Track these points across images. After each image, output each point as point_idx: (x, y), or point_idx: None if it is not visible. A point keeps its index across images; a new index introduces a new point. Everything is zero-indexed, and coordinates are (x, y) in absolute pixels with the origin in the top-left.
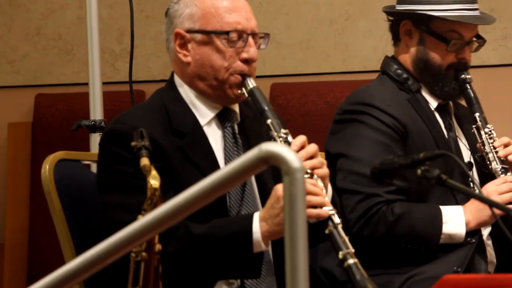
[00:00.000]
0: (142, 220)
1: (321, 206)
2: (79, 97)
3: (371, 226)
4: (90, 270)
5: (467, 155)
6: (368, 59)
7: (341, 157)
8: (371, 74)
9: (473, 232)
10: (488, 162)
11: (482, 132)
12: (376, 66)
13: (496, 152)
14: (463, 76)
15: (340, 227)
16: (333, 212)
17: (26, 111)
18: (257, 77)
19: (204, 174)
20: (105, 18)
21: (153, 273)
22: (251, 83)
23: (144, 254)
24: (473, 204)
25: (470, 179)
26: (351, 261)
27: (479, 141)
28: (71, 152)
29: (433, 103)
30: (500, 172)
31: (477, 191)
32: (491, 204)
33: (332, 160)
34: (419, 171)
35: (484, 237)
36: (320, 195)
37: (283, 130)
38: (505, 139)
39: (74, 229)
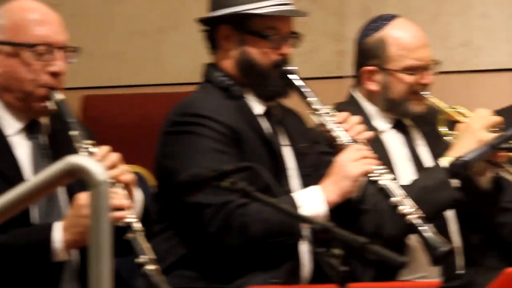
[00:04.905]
0: None
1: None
2: None
3: (232, 234)
4: None
5: (291, 159)
6: (182, 71)
7: (180, 173)
8: (185, 86)
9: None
10: (334, 140)
11: (322, 113)
12: (190, 78)
13: (340, 128)
14: (284, 67)
15: (140, 233)
16: (133, 219)
17: None
18: (69, 89)
19: (11, 185)
20: None
21: None
22: (57, 96)
23: None
24: (329, 178)
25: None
26: (149, 267)
27: (318, 123)
28: None
29: (257, 108)
30: (349, 143)
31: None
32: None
33: (169, 177)
34: (226, 184)
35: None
36: (120, 201)
37: (87, 141)
38: (344, 114)
39: None
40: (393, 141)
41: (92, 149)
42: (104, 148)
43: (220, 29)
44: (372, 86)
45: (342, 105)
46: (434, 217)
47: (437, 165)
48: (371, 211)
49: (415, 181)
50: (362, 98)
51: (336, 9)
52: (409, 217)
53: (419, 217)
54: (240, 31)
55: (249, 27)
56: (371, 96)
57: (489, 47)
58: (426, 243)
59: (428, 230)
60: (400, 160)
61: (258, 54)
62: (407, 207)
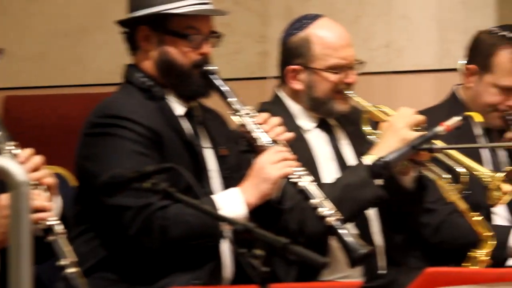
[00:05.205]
0: None
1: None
2: None
3: (152, 237)
4: None
5: (213, 161)
6: (103, 72)
7: (100, 175)
8: (106, 87)
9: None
10: (254, 141)
11: (242, 114)
12: (111, 79)
13: (260, 129)
14: (205, 67)
15: (61, 236)
16: (54, 221)
17: None
18: None
19: None
20: None
21: None
22: None
23: None
24: (249, 180)
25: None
26: (70, 270)
27: (239, 124)
28: None
29: (179, 109)
30: (269, 145)
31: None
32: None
33: (89, 179)
34: (147, 185)
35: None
36: (42, 203)
37: (10, 143)
38: (264, 115)
39: None
40: (317, 140)
41: (15, 151)
42: (27, 150)
43: (139, 30)
44: (297, 85)
45: (266, 105)
46: (357, 215)
47: (360, 164)
48: (293, 209)
49: (338, 179)
50: (286, 97)
51: (259, 10)
52: (328, 219)
53: (338, 219)
54: (159, 31)
55: (168, 27)
56: (295, 95)
57: (410, 49)
58: (344, 246)
59: (347, 233)
60: (324, 159)
61: (178, 54)
62: (326, 209)
